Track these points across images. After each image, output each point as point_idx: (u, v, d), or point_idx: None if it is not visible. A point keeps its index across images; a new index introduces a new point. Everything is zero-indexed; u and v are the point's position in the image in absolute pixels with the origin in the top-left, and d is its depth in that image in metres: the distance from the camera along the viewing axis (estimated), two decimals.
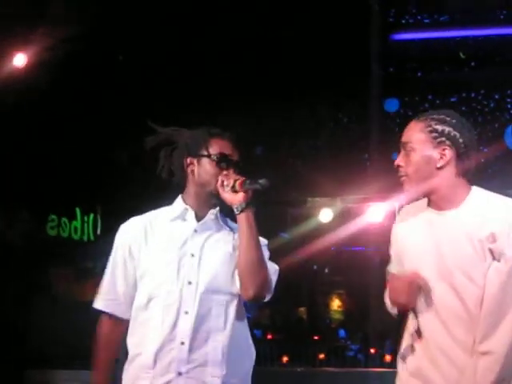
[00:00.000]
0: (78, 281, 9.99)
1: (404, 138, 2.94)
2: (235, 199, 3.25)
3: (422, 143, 2.90)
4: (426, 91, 8.50)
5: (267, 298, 3.33)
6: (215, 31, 7.92)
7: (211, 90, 8.48)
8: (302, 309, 15.12)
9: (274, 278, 3.32)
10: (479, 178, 8.82)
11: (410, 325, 3.03)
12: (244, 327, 3.41)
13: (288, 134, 8.78)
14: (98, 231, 9.83)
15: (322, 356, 11.68)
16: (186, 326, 3.23)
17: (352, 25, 7.47)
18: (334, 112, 8.66)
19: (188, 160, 3.37)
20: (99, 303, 3.35)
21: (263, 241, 3.40)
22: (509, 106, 8.29)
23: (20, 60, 7.65)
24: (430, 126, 2.89)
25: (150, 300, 3.27)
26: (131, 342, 3.30)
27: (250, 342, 3.41)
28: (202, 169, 3.36)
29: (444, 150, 2.85)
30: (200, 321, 3.25)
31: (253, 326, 12.81)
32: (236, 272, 3.31)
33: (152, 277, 3.29)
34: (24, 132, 8.38)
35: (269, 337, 12.91)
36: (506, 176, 8.04)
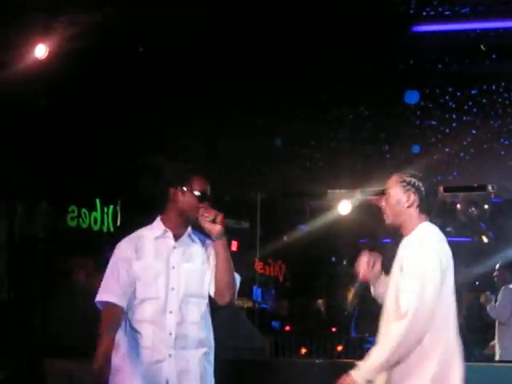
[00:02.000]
0: (98, 271, 10.05)
1: (386, 185, 4.15)
2: (214, 229, 4.31)
3: (395, 190, 4.10)
4: (446, 83, 8.45)
5: None
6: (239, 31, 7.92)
7: (233, 86, 8.50)
8: (320, 301, 15.11)
9: (238, 284, 4.47)
10: (501, 169, 8.75)
11: None
12: (209, 319, 4.56)
13: (307, 127, 8.77)
14: (118, 222, 9.87)
15: (340, 348, 11.68)
16: (171, 321, 4.34)
17: (371, 16, 7.40)
18: (354, 104, 8.62)
19: (172, 190, 4.37)
20: (103, 296, 4.41)
21: None
22: None
23: (41, 51, 7.67)
24: (402, 177, 4.10)
25: (143, 301, 4.34)
26: (133, 326, 4.38)
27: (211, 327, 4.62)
28: (185, 200, 4.36)
29: (409, 195, 4.05)
30: (181, 317, 4.36)
31: (271, 318, 12.84)
32: (206, 280, 4.43)
33: (145, 283, 4.34)
34: (44, 124, 8.41)
35: (287, 328, 12.91)
36: None
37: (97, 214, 9.98)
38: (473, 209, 11.16)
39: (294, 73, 8.42)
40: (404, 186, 4.09)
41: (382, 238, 12.39)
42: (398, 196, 4.10)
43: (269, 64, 8.25)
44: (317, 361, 8.97)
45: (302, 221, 12.19)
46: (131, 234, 4.48)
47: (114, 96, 8.52)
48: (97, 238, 9.84)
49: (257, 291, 10.78)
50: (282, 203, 10.76)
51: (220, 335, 8.09)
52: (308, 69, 8.29)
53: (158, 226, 4.44)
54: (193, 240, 4.48)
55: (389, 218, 4.16)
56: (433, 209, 4.13)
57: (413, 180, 4.09)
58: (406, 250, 4.05)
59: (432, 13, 7.88)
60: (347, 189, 9.08)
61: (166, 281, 4.34)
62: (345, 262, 15.01)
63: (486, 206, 11.07)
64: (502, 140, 8.22)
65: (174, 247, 4.39)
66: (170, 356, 4.33)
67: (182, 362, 4.36)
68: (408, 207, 4.07)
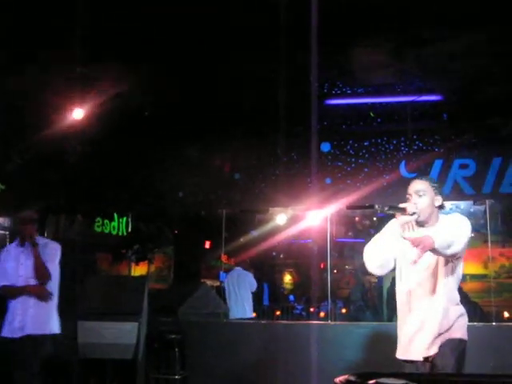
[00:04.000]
0: (115, 262, 9.98)
1: (419, 187, 3.57)
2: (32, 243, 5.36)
3: (430, 193, 3.58)
4: (348, 138, 8.57)
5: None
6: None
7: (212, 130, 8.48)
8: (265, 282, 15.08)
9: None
10: (384, 195, 8.73)
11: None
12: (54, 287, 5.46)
13: (257, 166, 8.84)
14: (129, 229, 9.82)
15: (278, 313, 11.69)
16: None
17: (296, 96, 7.37)
18: (287, 151, 8.71)
19: (17, 226, 5.52)
20: (2, 282, 5.37)
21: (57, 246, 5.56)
22: (402, 148, 8.39)
23: (78, 114, 7.63)
24: (432, 182, 3.61)
25: (11, 282, 5.35)
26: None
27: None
28: (19, 229, 5.44)
29: (439, 197, 3.58)
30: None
31: None
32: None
33: (9, 274, 5.38)
34: (80, 164, 8.36)
35: None
36: (400, 194, 8.09)
37: (115, 223, 9.92)
38: (366, 220, 11.28)
39: (249, 133, 8.46)
40: (434, 190, 3.60)
41: (304, 240, 12.53)
42: (433, 197, 3.59)
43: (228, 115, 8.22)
44: (263, 322, 8.99)
45: (253, 228, 12.23)
46: (3, 248, 5.66)
47: (126, 146, 8.51)
48: (114, 240, 9.77)
49: (222, 275, 10.72)
50: (240, 216, 10.75)
51: (197, 304, 8.08)
52: (262, 130, 8.34)
53: (15, 243, 5.55)
54: (27, 246, 5.44)
55: (422, 215, 3.55)
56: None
57: (437, 184, 3.65)
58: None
59: (339, 92, 7.99)
60: (283, 207, 9.11)
61: (17, 271, 5.40)
62: (281, 256, 15.06)
63: (374, 219, 11.19)
64: (385, 175, 8.32)
65: (22, 252, 5.45)
66: (28, 310, 5.32)
67: (30, 310, 5.32)
68: (436, 206, 3.61)
